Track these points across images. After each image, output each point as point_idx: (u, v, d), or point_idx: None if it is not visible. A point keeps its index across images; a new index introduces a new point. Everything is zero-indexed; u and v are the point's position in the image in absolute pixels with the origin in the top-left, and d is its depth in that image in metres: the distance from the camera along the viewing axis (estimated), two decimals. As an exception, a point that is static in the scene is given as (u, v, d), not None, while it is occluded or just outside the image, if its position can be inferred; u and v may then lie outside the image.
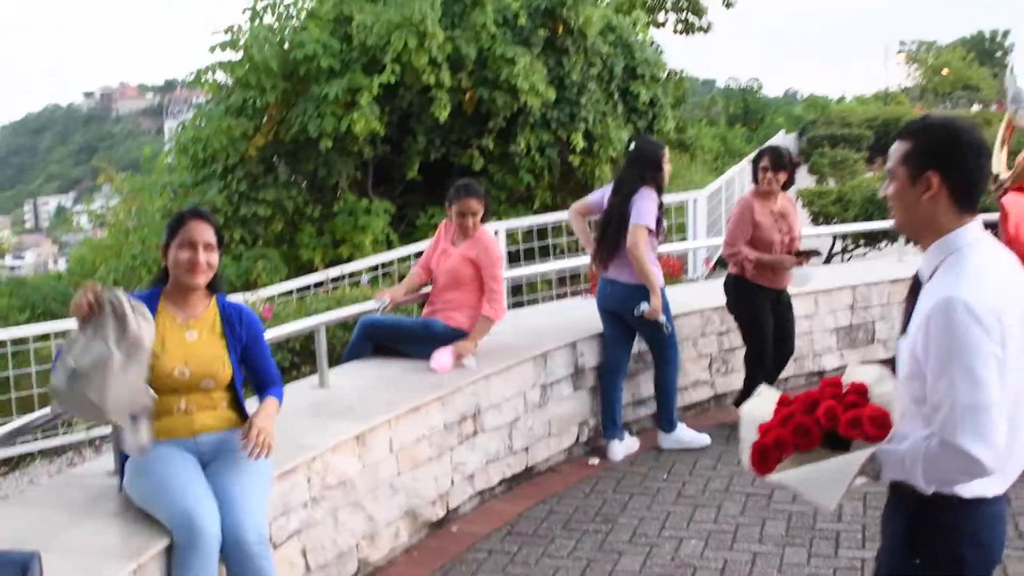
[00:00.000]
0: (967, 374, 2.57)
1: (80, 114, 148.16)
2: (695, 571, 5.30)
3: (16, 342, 9.64)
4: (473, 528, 5.98)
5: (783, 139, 37.60)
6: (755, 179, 7.28)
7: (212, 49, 14.06)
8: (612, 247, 6.84)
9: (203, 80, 14.69)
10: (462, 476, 6.08)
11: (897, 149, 2.83)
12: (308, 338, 7.34)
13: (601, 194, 7.13)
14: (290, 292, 9.92)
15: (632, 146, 7.05)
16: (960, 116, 2.64)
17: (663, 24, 28.33)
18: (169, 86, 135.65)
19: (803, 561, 5.35)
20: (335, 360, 6.70)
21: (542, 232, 11.97)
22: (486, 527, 5.98)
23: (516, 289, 11.15)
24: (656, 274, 6.76)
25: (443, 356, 6.23)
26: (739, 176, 17.54)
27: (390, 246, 13.50)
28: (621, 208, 6.80)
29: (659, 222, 6.79)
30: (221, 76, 14.68)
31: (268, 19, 14.35)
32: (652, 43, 19.24)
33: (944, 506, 2.76)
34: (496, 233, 10.93)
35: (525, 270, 9.82)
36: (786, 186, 7.31)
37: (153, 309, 4.27)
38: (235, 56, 14.01)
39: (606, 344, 7.12)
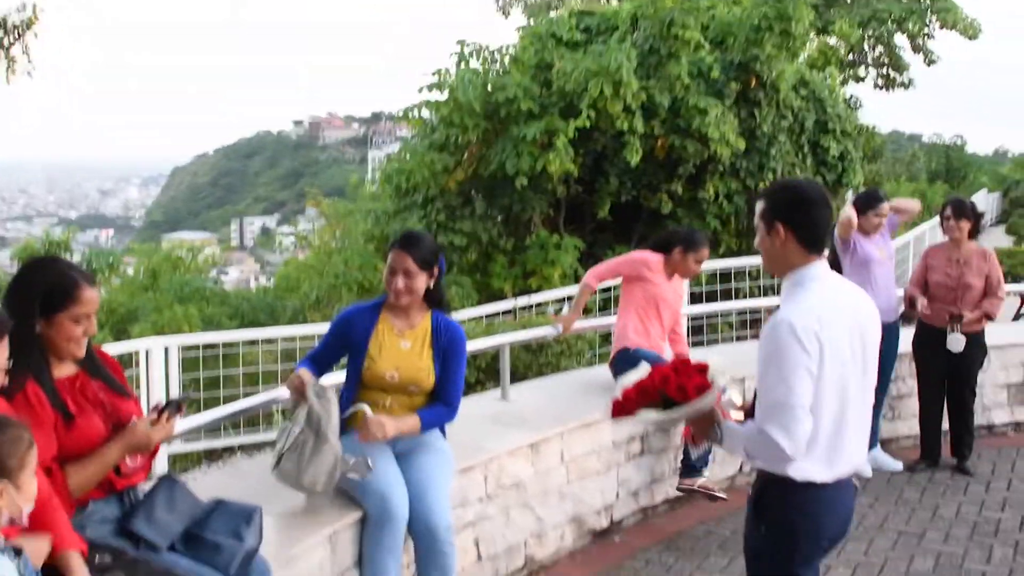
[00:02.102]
0: (781, 379, 3.26)
1: (289, 141, 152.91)
2: (839, 597, 5.62)
3: (226, 345, 10.49)
4: (634, 540, 6.40)
5: (984, 197, 36.47)
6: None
7: (420, 89, 14.74)
8: None
9: (410, 116, 15.42)
10: (627, 491, 6.52)
11: (757, 208, 3.55)
12: (493, 357, 7.94)
13: None
14: (480, 318, 10.48)
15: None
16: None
17: (863, 79, 28.14)
18: (375, 118, 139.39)
19: (946, 597, 5.61)
20: (516, 378, 7.26)
21: (725, 276, 12.30)
22: (646, 540, 6.39)
23: (697, 329, 11.50)
24: None
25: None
26: (930, 232, 17.38)
27: (577, 280, 13.93)
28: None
29: None
30: (427, 113, 15.39)
31: (474, 63, 14.91)
32: (850, 97, 19.26)
33: (783, 486, 3.45)
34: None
35: (705, 307, 10.28)
36: (972, 235, 7.55)
37: (375, 317, 4.88)
38: (441, 96, 14.63)
39: None
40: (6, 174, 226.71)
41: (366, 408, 4.65)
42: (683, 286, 7.33)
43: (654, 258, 6.90)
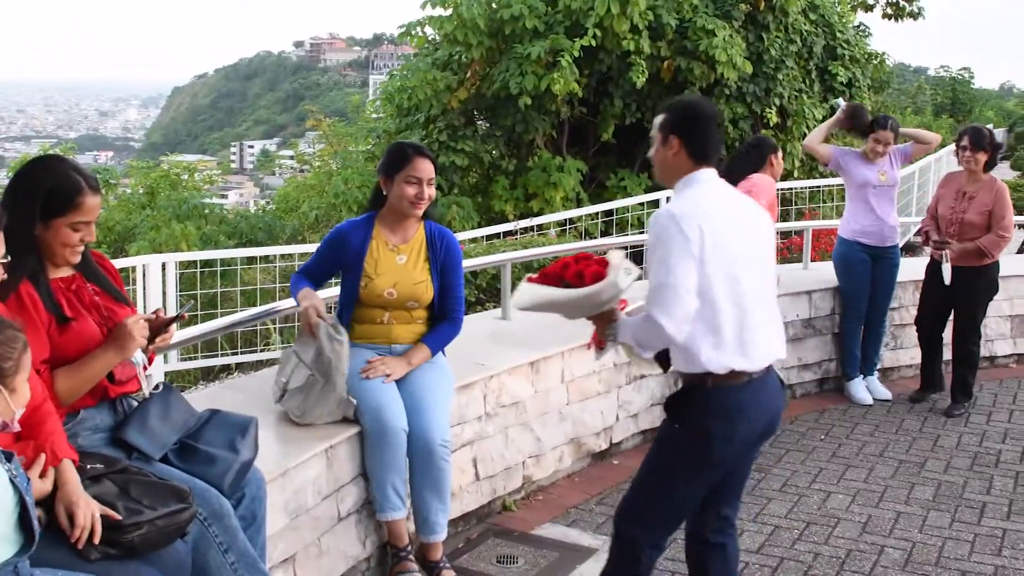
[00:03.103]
0: (662, 262, 3.42)
1: (289, 63, 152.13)
2: (839, 522, 5.58)
3: (224, 264, 10.44)
4: (633, 463, 6.27)
5: (990, 132, 36.30)
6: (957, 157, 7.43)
7: (423, 5, 14.60)
8: None
9: (412, 34, 15.24)
10: (627, 414, 6.47)
11: (655, 121, 3.74)
12: (494, 277, 7.85)
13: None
14: (480, 238, 10.40)
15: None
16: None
17: (872, 7, 27.74)
18: (377, 40, 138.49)
19: (945, 525, 5.56)
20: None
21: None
22: (645, 462, 6.35)
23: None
24: None
25: None
26: (935, 165, 17.23)
27: (579, 204, 13.87)
28: None
29: None
30: (429, 31, 15.24)
31: (478, -22, 14.74)
32: (858, 24, 19.03)
33: (697, 385, 3.58)
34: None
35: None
36: (987, 168, 7.30)
37: (368, 233, 4.77)
38: (444, 12, 14.49)
39: None
40: (4, 94, 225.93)
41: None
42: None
43: (763, 180, 6.81)
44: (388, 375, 4.62)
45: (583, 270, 3.62)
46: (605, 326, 3.74)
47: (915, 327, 7.78)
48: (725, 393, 3.56)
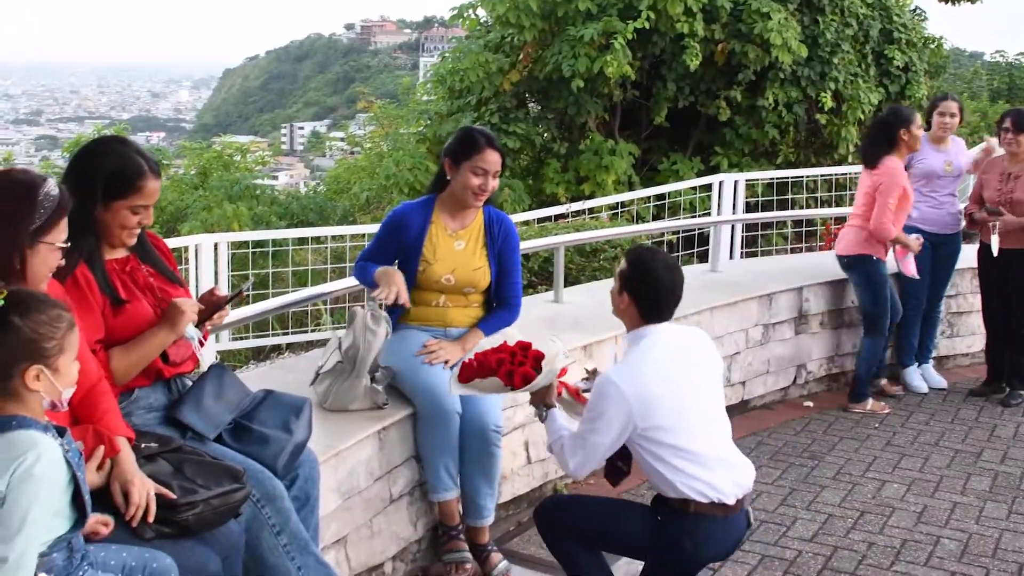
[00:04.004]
0: (593, 420, 3.72)
1: (340, 45, 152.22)
2: (893, 511, 5.51)
3: (276, 244, 10.47)
4: (684, 448, 6.32)
5: (1048, 118, 35.66)
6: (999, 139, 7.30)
7: (477, -14, 14.57)
8: None
9: (464, 16, 15.19)
10: (678, 399, 6.41)
11: (618, 266, 3.96)
12: (546, 260, 7.81)
13: None
14: (532, 221, 10.35)
15: None
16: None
17: (929, -10, 27.39)
18: (427, 23, 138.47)
19: (1002, 516, 5.48)
20: (569, 282, 7.14)
21: (782, 186, 12.06)
22: (697, 448, 6.30)
23: (751, 240, 11.33)
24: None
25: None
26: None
27: (631, 187, 13.78)
28: None
29: None
30: (481, 13, 15.18)
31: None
32: (914, 8, 18.74)
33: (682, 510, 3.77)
34: (736, 184, 11.14)
35: (760, 215, 10.08)
36: None
37: (428, 215, 4.73)
38: (497, -6, 14.42)
39: None
40: (59, 75, 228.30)
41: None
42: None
43: (894, 164, 6.92)
44: (447, 361, 4.59)
45: (514, 371, 3.85)
46: (538, 403, 4.03)
47: (982, 319, 7.63)
48: (694, 515, 3.79)
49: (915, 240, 7.00)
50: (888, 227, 6.83)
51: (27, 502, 2.51)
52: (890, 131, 6.89)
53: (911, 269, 7.07)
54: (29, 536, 2.51)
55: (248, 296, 8.73)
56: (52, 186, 2.95)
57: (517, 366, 3.86)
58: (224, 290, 8.37)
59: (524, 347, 3.94)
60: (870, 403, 7.16)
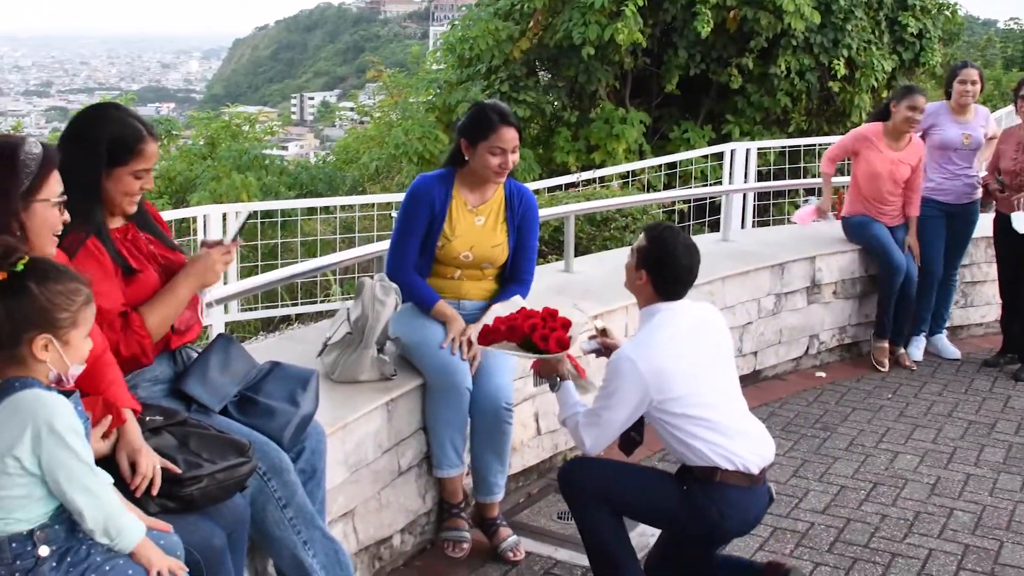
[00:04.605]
0: (608, 396, 3.81)
1: (350, 15, 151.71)
2: (907, 483, 5.47)
3: (285, 214, 10.44)
4: (696, 419, 6.27)
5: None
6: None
7: (486, -48, 14.48)
8: None
9: (474, -18, 15.15)
10: (690, 370, 6.36)
11: (635, 242, 3.99)
12: (556, 229, 7.76)
13: None
14: (542, 190, 10.29)
15: None
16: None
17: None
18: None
19: (1016, 488, 5.43)
20: (579, 251, 7.09)
21: (794, 154, 11.97)
22: (708, 419, 6.26)
23: (763, 209, 11.26)
24: None
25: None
26: (1006, 118, 16.82)
27: (642, 156, 13.70)
28: None
29: None
30: (492, -21, 15.11)
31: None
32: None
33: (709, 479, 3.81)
34: (747, 152, 11.06)
35: (772, 184, 10.00)
36: None
37: (448, 191, 4.64)
38: (507, -38, 14.33)
39: None
40: (68, 47, 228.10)
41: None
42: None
43: (872, 128, 7.20)
44: (475, 357, 4.54)
45: (549, 335, 3.87)
46: (550, 374, 4.06)
47: (999, 291, 7.54)
48: (721, 484, 3.82)
49: (822, 204, 7.64)
50: (823, 163, 7.54)
51: (67, 451, 2.57)
52: (887, 103, 7.10)
53: (801, 215, 7.71)
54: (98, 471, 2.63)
55: (256, 266, 8.75)
56: (33, 144, 2.89)
57: (550, 331, 3.89)
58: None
59: (552, 313, 3.97)
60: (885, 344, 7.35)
